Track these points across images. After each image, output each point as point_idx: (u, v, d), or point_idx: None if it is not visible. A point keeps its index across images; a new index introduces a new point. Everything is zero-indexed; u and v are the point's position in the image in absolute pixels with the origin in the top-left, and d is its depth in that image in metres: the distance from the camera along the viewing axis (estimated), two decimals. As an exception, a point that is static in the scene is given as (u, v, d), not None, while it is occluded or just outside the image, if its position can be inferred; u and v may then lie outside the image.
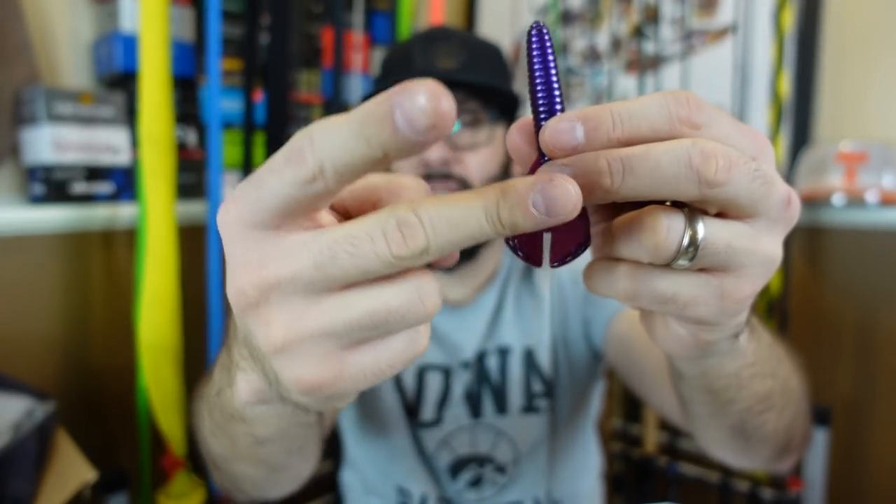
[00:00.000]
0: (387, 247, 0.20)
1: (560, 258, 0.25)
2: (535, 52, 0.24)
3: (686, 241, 0.23)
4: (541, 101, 0.24)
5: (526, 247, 0.25)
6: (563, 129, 0.23)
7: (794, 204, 0.25)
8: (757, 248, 0.25)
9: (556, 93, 0.24)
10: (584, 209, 0.24)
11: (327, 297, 0.21)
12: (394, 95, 0.19)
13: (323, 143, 0.20)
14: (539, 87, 0.24)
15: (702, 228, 0.23)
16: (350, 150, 0.19)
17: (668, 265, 0.24)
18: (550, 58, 0.24)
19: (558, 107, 0.24)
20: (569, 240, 0.25)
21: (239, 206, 0.22)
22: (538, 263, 0.25)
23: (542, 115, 0.24)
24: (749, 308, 0.29)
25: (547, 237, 0.25)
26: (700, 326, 0.28)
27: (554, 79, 0.24)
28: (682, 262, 0.24)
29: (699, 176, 0.22)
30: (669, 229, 0.23)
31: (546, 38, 0.24)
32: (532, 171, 0.25)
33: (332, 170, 0.20)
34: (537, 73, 0.24)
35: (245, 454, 0.41)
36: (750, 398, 0.40)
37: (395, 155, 0.19)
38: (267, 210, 0.21)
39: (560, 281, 0.75)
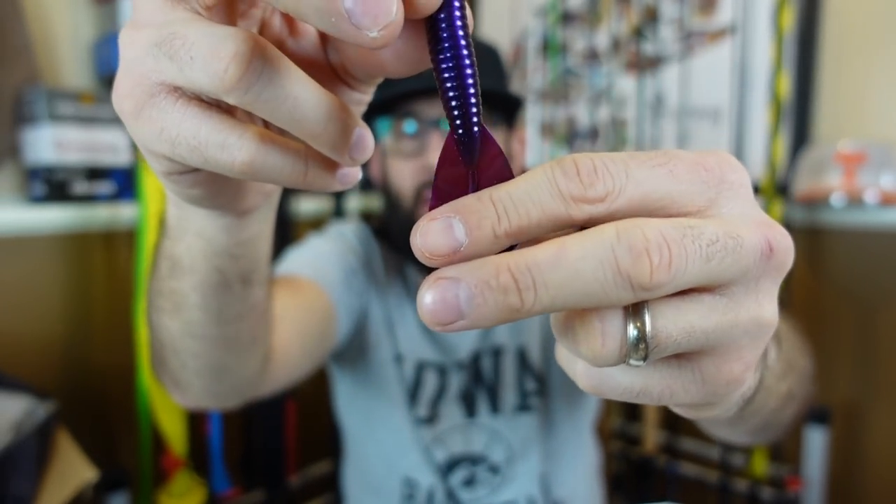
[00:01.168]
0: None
1: None
2: (442, 28, 0.20)
3: (632, 339, 0.18)
4: (453, 102, 0.20)
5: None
6: (436, 229, 0.18)
7: (779, 248, 0.21)
8: (736, 321, 0.19)
9: (472, 90, 0.20)
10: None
11: (166, 9, 0.20)
12: None
13: None
14: (448, 84, 0.20)
15: (649, 321, 0.18)
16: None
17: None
18: (463, 40, 0.20)
19: (474, 109, 0.20)
20: None
21: None
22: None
23: (458, 122, 0.20)
24: (754, 373, 0.24)
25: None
26: (691, 409, 0.24)
27: (460, 31, 0.20)
28: (635, 362, 0.19)
29: (631, 282, 0.17)
30: (605, 335, 0.18)
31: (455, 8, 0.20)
32: (432, 204, 0.20)
33: None
34: (443, 61, 0.20)
35: (165, 292, 0.38)
36: (775, 401, 0.38)
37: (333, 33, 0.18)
38: None
39: None
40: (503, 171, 0.21)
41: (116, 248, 1.06)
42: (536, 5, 1.54)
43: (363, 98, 0.27)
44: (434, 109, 0.67)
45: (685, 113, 1.32)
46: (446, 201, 0.19)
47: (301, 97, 0.20)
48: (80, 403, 1.03)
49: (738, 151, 1.19)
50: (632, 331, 0.18)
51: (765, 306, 0.21)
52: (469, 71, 0.20)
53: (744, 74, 1.19)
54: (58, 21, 1.01)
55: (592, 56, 1.46)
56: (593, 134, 1.47)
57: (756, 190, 1.21)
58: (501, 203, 0.18)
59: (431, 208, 0.20)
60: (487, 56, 0.72)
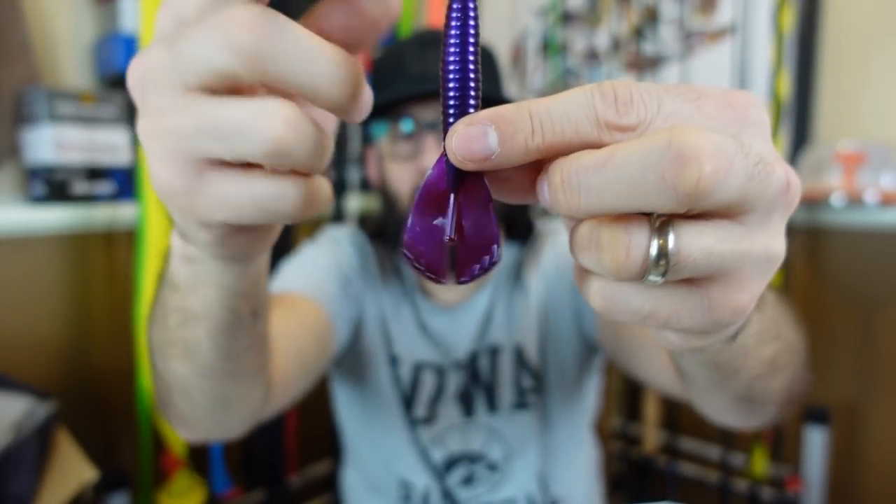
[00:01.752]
0: (221, 40, 0.19)
1: (468, 274, 0.22)
2: (453, 27, 0.20)
3: (654, 254, 0.19)
4: (451, 94, 0.21)
5: (427, 260, 0.22)
6: (473, 134, 0.20)
7: (794, 186, 0.21)
8: (749, 249, 0.21)
9: (472, 84, 0.21)
10: (494, 218, 0.22)
11: (186, 97, 0.21)
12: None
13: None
14: (451, 75, 0.21)
15: (673, 239, 0.19)
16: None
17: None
18: (471, 38, 0.20)
19: (473, 101, 0.21)
20: (475, 254, 0.22)
21: (159, 65, 0.22)
22: (442, 278, 0.22)
23: (452, 111, 0.21)
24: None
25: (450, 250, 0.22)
26: (691, 335, 0.25)
27: (472, 66, 0.21)
28: (654, 278, 0.20)
29: (676, 190, 0.18)
30: (630, 247, 0.19)
31: (471, 9, 0.20)
32: (437, 169, 0.22)
33: None
34: (451, 56, 0.20)
35: (175, 341, 0.39)
36: (757, 366, 0.38)
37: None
38: (193, 77, 0.21)
39: (546, 275, 0.75)
40: (485, 204, 0.22)
41: (116, 248, 1.06)
42: (536, 5, 1.54)
43: None
44: (430, 112, 0.67)
45: (685, 113, 1.31)
46: (425, 217, 0.21)
47: (329, 148, 0.22)
48: (80, 403, 1.03)
49: (738, 151, 1.19)
50: (655, 246, 0.19)
51: (775, 239, 0.22)
52: (472, 101, 0.21)
53: (744, 74, 1.19)
54: (58, 21, 1.01)
55: (592, 56, 1.46)
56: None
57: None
58: (538, 117, 0.19)
59: (410, 220, 0.21)
60: (485, 58, 0.72)
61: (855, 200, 1.05)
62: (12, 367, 0.91)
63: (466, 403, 0.74)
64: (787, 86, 1.14)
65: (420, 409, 0.74)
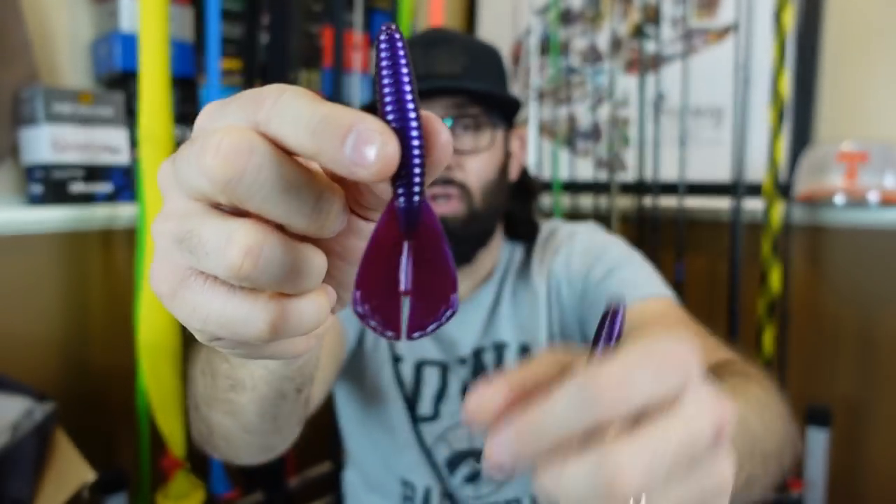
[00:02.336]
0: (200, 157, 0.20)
1: (421, 328, 0.21)
2: (383, 64, 0.19)
3: None
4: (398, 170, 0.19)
5: (382, 315, 0.21)
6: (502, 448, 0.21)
7: (725, 423, 0.21)
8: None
9: (416, 161, 0.19)
10: (452, 263, 0.21)
11: (188, 204, 0.22)
12: (355, 120, 0.19)
13: (280, 119, 0.20)
14: (389, 108, 0.19)
15: None
16: (296, 141, 0.19)
17: None
18: (404, 71, 0.19)
19: (417, 179, 0.20)
20: (432, 305, 0.21)
21: (170, 172, 0.23)
22: (396, 334, 0.21)
23: (399, 190, 0.20)
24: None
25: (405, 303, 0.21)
26: None
27: (408, 96, 0.19)
28: None
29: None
30: None
31: (398, 44, 0.19)
32: (386, 214, 0.20)
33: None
34: (386, 91, 0.19)
35: (222, 399, 0.42)
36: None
37: (327, 166, 0.19)
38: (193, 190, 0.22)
39: (556, 280, 0.75)
40: (440, 249, 0.20)
41: (115, 248, 1.06)
42: (537, 4, 1.53)
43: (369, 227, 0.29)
44: (433, 110, 0.67)
45: (686, 112, 1.31)
46: (376, 267, 0.20)
47: (303, 270, 0.21)
48: (79, 404, 1.03)
49: (740, 151, 1.19)
50: None
51: (724, 471, 0.22)
52: (416, 142, 0.19)
53: (745, 74, 1.19)
54: (57, 21, 1.01)
55: (593, 55, 1.46)
56: (594, 133, 1.46)
57: (758, 190, 1.20)
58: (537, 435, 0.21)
59: (360, 272, 0.20)
60: (488, 57, 0.72)
61: (856, 200, 1.04)
62: (11, 368, 0.91)
63: None
64: (788, 85, 1.14)
65: (424, 407, 0.74)
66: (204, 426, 0.49)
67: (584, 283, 0.72)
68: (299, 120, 0.19)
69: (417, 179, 0.20)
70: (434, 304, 0.21)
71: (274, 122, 0.20)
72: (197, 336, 0.24)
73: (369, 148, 0.18)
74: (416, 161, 0.19)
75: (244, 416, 0.42)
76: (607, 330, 0.21)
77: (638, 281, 0.70)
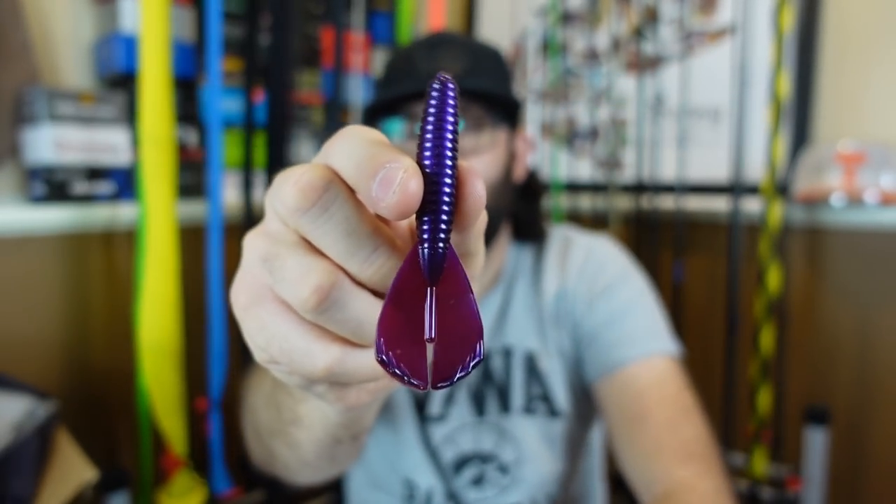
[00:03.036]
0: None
1: (449, 378, 0.20)
2: (431, 110, 0.19)
3: None
4: (424, 217, 0.20)
5: (407, 363, 0.20)
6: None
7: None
8: None
9: (445, 209, 0.19)
10: (477, 311, 0.20)
11: (279, 226, 0.24)
12: (388, 159, 0.20)
13: (340, 156, 0.22)
14: (426, 153, 0.20)
15: None
16: (348, 174, 0.21)
17: None
18: (450, 119, 0.19)
19: (444, 227, 0.19)
20: (458, 353, 0.20)
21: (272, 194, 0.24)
22: (422, 383, 0.20)
23: (425, 237, 0.20)
24: None
25: (429, 349, 0.20)
26: None
27: (448, 143, 0.19)
28: None
29: None
30: None
31: (449, 94, 0.19)
32: (410, 260, 0.20)
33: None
34: (427, 137, 0.20)
35: (283, 432, 0.43)
36: None
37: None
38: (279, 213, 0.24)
39: (565, 286, 0.75)
40: (465, 297, 0.20)
41: (116, 248, 1.06)
42: (536, 5, 1.54)
43: None
44: None
45: (685, 113, 1.32)
46: (399, 314, 0.20)
47: (364, 321, 0.23)
48: (80, 403, 1.03)
49: (738, 151, 1.19)
50: None
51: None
52: (447, 188, 0.19)
53: (744, 74, 1.19)
54: (58, 21, 1.01)
55: (592, 56, 1.46)
56: (593, 134, 1.47)
57: (756, 191, 1.21)
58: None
59: (382, 318, 0.20)
60: (489, 57, 0.72)
61: (855, 200, 1.05)
62: (12, 367, 0.91)
63: (478, 403, 0.74)
64: (787, 86, 1.14)
65: (434, 407, 0.74)
66: (266, 453, 0.51)
67: (586, 313, 0.73)
68: (352, 155, 0.21)
69: (444, 226, 0.20)
70: (460, 353, 0.20)
71: (334, 157, 0.21)
72: (256, 354, 0.25)
73: (392, 183, 0.19)
74: (445, 208, 0.19)
75: (302, 451, 0.44)
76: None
77: (641, 333, 0.69)
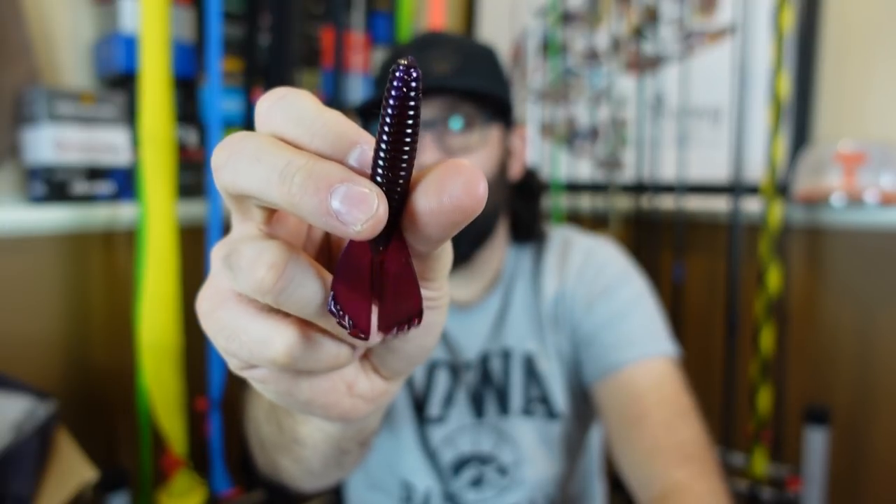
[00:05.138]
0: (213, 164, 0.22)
1: (388, 327, 0.22)
2: (390, 103, 0.18)
3: None
4: (379, 170, 0.20)
5: (351, 313, 0.21)
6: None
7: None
8: None
9: (402, 170, 0.19)
10: (416, 283, 0.22)
11: (242, 222, 0.25)
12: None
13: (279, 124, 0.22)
14: (381, 154, 0.19)
15: None
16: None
17: None
18: (410, 116, 0.18)
19: (398, 187, 0.20)
20: (401, 308, 0.22)
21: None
22: (366, 333, 0.22)
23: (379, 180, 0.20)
24: None
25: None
26: None
27: (405, 148, 0.19)
28: None
29: None
30: None
31: (412, 88, 0.18)
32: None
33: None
34: (384, 136, 0.19)
35: (287, 448, 0.43)
36: None
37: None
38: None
39: (563, 288, 0.75)
40: (407, 273, 0.22)
41: (116, 248, 1.06)
42: (536, 5, 1.54)
43: (392, 388, 0.30)
44: (427, 111, 0.67)
45: (685, 113, 1.32)
46: (349, 275, 0.21)
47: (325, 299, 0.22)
48: (80, 403, 1.03)
49: (738, 151, 1.19)
50: None
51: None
52: (396, 196, 0.20)
53: (744, 74, 1.19)
54: (58, 21, 1.01)
55: (592, 56, 1.46)
56: (593, 134, 1.47)
57: (756, 190, 1.21)
58: None
59: (335, 277, 0.21)
60: (481, 57, 0.72)
61: (855, 200, 1.05)
62: (12, 367, 0.91)
63: (477, 404, 0.74)
64: (787, 86, 1.14)
65: (434, 409, 0.74)
66: (271, 464, 0.52)
67: (585, 314, 0.73)
68: (309, 125, 0.21)
69: (398, 195, 0.20)
70: (402, 310, 0.22)
71: (280, 124, 0.21)
72: (229, 363, 0.25)
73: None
74: (393, 206, 0.20)
75: (308, 464, 0.44)
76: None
77: (640, 335, 0.69)
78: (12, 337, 0.96)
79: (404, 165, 0.20)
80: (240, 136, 0.21)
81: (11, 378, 0.82)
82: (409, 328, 0.22)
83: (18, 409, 0.77)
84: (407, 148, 0.19)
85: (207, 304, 0.24)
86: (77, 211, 0.96)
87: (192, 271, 1.06)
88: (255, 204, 0.23)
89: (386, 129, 0.19)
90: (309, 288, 0.21)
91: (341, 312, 0.21)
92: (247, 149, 0.20)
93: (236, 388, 0.92)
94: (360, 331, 0.22)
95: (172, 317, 0.98)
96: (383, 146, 0.19)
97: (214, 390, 1.06)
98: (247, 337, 0.22)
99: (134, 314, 0.97)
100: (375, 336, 0.23)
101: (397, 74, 0.18)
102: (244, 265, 0.21)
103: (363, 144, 0.20)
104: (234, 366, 0.25)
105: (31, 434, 0.75)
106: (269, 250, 0.21)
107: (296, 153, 0.20)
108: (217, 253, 0.24)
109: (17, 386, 0.81)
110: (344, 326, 0.21)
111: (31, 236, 0.97)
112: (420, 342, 0.27)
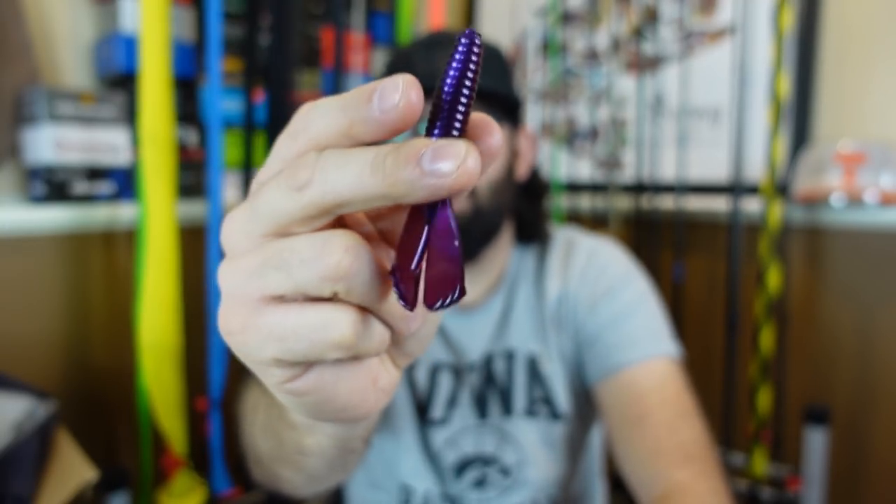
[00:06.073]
0: (283, 180, 0.21)
1: (434, 301, 0.23)
2: (454, 64, 0.21)
3: None
4: (438, 124, 0.22)
5: (403, 284, 0.23)
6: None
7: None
8: None
9: (458, 122, 0.21)
10: (460, 258, 0.23)
11: (260, 240, 0.23)
12: (380, 82, 0.20)
13: (315, 121, 0.22)
14: (444, 107, 0.21)
15: None
16: (335, 125, 0.21)
17: None
18: (469, 78, 0.21)
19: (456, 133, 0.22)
20: (444, 284, 0.22)
21: (241, 219, 0.23)
22: (412, 304, 0.23)
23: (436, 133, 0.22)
24: None
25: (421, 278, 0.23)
26: None
27: (463, 102, 0.21)
28: None
29: None
30: None
31: (475, 51, 0.21)
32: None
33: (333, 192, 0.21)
34: (446, 91, 0.21)
35: (289, 459, 0.43)
36: None
37: (363, 133, 0.21)
38: (266, 224, 0.22)
39: (566, 289, 0.75)
40: (451, 243, 0.22)
41: (116, 248, 1.06)
42: (536, 5, 1.54)
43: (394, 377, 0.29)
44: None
45: (685, 113, 1.32)
46: (408, 246, 0.22)
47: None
48: (80, 403, 1.03)
49: (738, 151, 1.19)
50: None
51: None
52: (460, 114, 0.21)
53: (744, 74, 1.19)
54: (58, 21, 1.01)
55: (592, 56, 1.46)
56: (593, 134, 1.47)
57: (756, 190, 1.21)
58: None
59: (400, 240, 0.22)
60: (490, 56, 0.71)
61: (855, 200, 1.05)
62: (12, 367, 0.91)
63: (481, 405, 0.74)
64: (786, 86, 1.14)
65: (437, 411, 0.74)
66: (270, 476, 0.51)
67: (588, 315, 0.73)
68: (332, 109, 0.21)
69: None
70: (445, 286, 0.23)
71: (313, 125, 0.22)
72: (268, 378, 0.24)
73: (395, 90, 0.20)
74: (457, 124, 0.22)
75: (312, 471, 0.44)
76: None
77: (642, 336, 0.69)
78: (12, 337, 0.96)
79: (460, 118, 0.21)
80: (309, 158, 0.21)
81: (11, 378, 0.82)
82: (450, 303, 0.22)
83: (18, 409, 0.77)
84: (465, 101, 0.21)
85: (238, 321, 0.23)
86: (77, 211, 0.96)
87: (192, 271, 1.06)
88: (337, 213, 0.22)
89: (447, 88, 0.21)
90: (372, 269, 0.22)
91: (397, 280, 0.22)
92: (328, 161, 0.21)
93: (236, 388, 0.92)
94: (405, 304, 0.23)
95: (172, 317, 0.98)
96: (445, 104, 0.21)
97: (214, 390, 1.06)
98: (305, 328, 0.22)
99: (134, 314, 0.97)
100: (422, 311, 0.23)
101: (462, 41, 0.21)
102: (309, 256, 0.21)
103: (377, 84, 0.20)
104: (278, 379, 0.24)
105: (31, 434, 0.75)
106: (337, 236, 0.21)
107: (371, 147, 0.21)
108: (234, 269, 0.23)
109: (17, 386, 0.81)
110: (406, 302, 0.22)
111: (31, 236, 0.97)
112: (436, 319, 0.28)
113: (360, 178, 0.20)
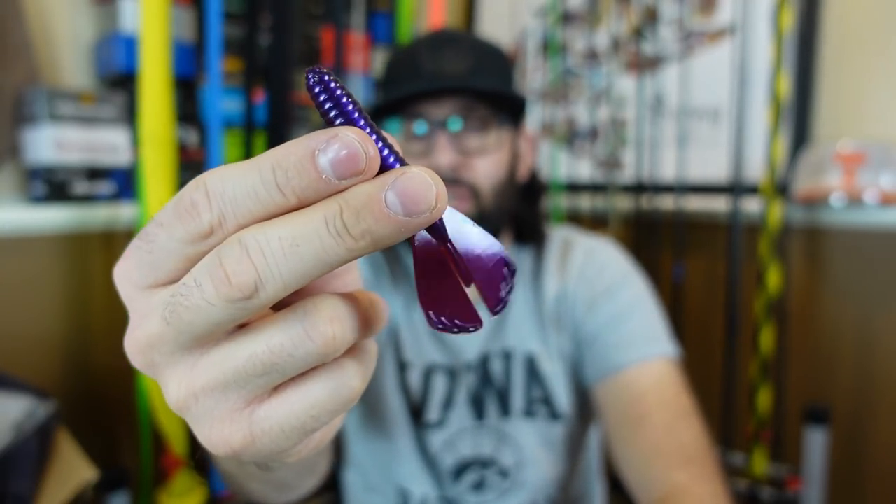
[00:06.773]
0: (213, 290, 0.17)
1: (500, 301, 0.21)
2: (323, 102, 0.18)
3: None
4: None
5: (460, 317, 0.20)
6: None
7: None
8: None
9: (380, 142, 0.19)
10: (487, 235, 0.21)
11: (211, 350, 0.19)
12: (313, 138, 0.17)
13: (222, 190, 0.17)
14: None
15: None
16: (257, 197, 0.17)
17: None
18: (345, 100, 0.18)
19: (387, 153, 0.19)
20: (495, 278, 0.21)
21: (128, 263, 0.20)
22: (479, 324, 0.20)
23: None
24: None
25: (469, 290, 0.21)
26: None
27: (359, 119, 0.19)
28: None
29: None
30: None
31: (329, 83, 0.18)
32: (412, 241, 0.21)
33: (235, 220, 0.18)
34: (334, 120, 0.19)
35: (252, 476, 0.42)
36: None
37: (312, 200, 0.18)
38: (155, 271, 0.19)
39: (565, 288, 0.75)
40: (470, 233, 0.21)
41: (116, 248, 1.06)
42: (536, 5, 1.54)
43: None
44: (441, 110, 0.67)
45: (685, 113, 1.32)
46: (430, 282, 0.20)
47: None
48: (80, 403, 1.03)
49: (738, 151, 1.19)
50: None
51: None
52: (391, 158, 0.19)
53: (743, 74, 1.19)
54: (58, 21, 1.01)
55: (592, 56, 1.47)
56: (593, 134, 1.47)
57: (756, 190, 1.21)
58: None
59: (420, 295, 0.20)
60: (493, 56, 0.71)
61: (855, 200, 1.05)
62: (13, 367, 0.91)
63: (478, 406, 0.73)
64: (786, 86, 1.15)
65: (432, 414, 0.73)
66: (239, 490, 0.50)
67: (586, 314, 0.73)
68: (246, 185, 0.18)
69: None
70: (497, 278, 0.21)
71: (229, 210, 0.18)
72: (280, 453, 0.21)
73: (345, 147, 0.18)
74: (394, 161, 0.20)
75: (280, 482, 0.44)
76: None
77: (640, 336, 0.69)
78: (12, 337, 0.96)
79: (377, 136, 0.19)
80: (234, 250, 0.17)
81: (11, 378, 0.83)
82: (511, 287, 0.21)
83: (18, 409, 0.77)
84: (364, 119, 0.19)
85: (241, 434, 0.20)
86: (77, 211, 0.96)
87: (192, 271, 1.06)
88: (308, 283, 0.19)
89: (351, 118, 0.18)
90: (356, 313, 0.20)
91: (448, 323, 0.20)
92: (271, 247, 0.17)
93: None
94: (474, 326, 0.20)
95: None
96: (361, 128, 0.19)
97: (214, 390, 1.05)
98: (320, 401, 0.20)
99: (134, 314, 0.97)
100: (490, 316, 0.22)
101: (309, 80, 0.18)
102: (291, 346, 0.18)
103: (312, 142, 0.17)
104: (286, 443, 0.21)
105: (31, 434, 0.75)
106: (314, 309, 0.19)
107: (312, 208, 0.17)
108: (209, 386, 0.19)
109: (17, 386, 0.81)
110: (459, 331, 0.20)
111: (31, 236, 0.97)
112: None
113: (321, 252, 0.17)
